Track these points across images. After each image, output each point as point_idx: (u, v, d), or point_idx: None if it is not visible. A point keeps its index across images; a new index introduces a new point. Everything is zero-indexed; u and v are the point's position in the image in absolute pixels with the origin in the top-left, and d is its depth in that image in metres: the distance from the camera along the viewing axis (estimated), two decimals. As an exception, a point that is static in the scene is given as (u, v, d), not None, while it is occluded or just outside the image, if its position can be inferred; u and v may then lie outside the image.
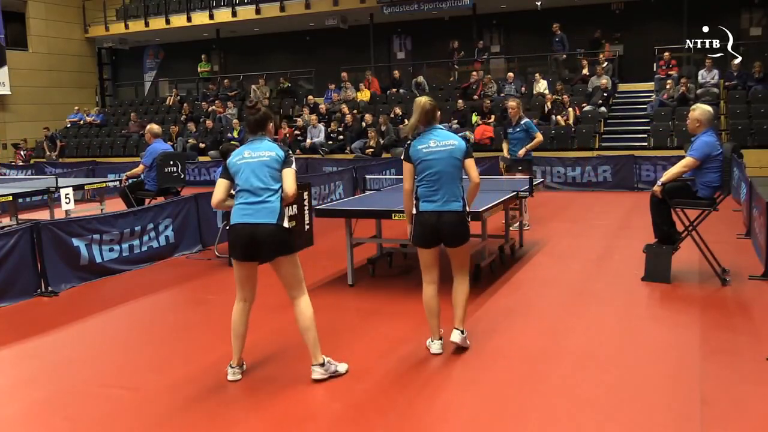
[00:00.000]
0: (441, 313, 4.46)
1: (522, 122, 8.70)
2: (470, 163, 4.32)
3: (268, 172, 3.94)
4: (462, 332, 4.45)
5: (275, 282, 4.24)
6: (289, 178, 3.95)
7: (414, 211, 4.38)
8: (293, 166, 4.01)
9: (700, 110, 5.93)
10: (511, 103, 8.92)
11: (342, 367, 4.19)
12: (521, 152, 8.59)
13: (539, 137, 8.73)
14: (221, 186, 4.10)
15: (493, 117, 15.94)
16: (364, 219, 6.27)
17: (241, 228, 3.94)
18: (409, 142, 4.41)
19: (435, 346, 4.44)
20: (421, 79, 18.67)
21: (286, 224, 3.95)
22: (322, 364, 4.08)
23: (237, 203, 4.01)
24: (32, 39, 22.54)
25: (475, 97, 17.10)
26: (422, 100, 4.37)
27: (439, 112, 4.47)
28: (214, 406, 3.84)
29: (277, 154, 3.97)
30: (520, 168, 8.71)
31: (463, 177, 4.37)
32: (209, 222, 8.42)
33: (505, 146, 8.99)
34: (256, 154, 3.97)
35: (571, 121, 15.13)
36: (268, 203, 3.91)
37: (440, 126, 4.44)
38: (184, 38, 23.33)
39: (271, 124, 4.14)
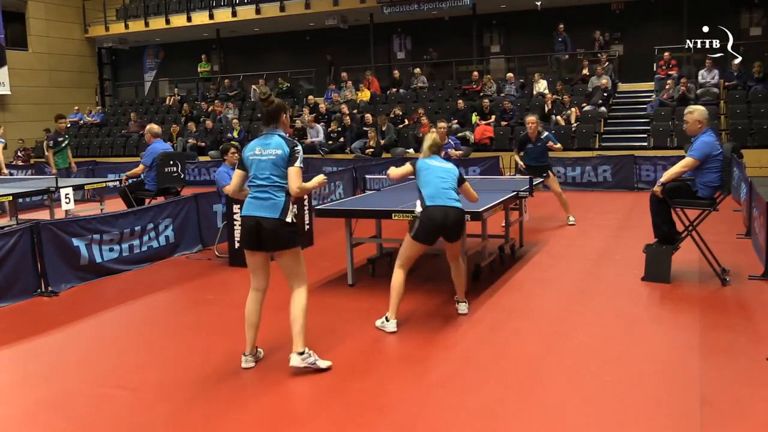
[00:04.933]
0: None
1: (542, 137, 8.96)
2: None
3: (275, 170, 4.11)
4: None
5: (277, 283, 4.24)
6: (293, 177, 4.08)
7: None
8: (298, 163, 4.10)
9: (699, 111, 5.94)
10: (530, 119, 9.08)
11: (323, 363, 4.22)
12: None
13: (560, 147, 9.20)
14: (237, 176, 4.32)
15: (493, 117, 15.94)
16: (364, 219, 6.27)
17: (248, 219, 4.15)
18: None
19: (391, 325, 4.95)
20: (418, 70, 18.77)
21: (288, 219, 4.10)
22: (302, 353, 4.17)
23: (249, 195, 4.23)
24: (32, 39, 22.54)
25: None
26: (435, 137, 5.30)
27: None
28: (213, 406, 3.84)
29: (284, 151, 4.10)
30: (545, 175, 8.92)
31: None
32: (209, 222, 8.42)
33: (518, 158, 9.21)
34: (265, 152, 4.14)
35: (572, 121, 15.14)
36: (273, 199, 4.11)
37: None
38: (184, 38, 23.34)
39: (284, 115, 4.27)
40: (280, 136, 4.18)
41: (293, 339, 4.20)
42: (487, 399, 3.84)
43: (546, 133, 9.09)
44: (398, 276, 5.01)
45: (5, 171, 11.92)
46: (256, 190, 4.14)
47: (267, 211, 4.08)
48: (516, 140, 9.22)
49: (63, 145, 11.48)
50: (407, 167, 5.23)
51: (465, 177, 5.29)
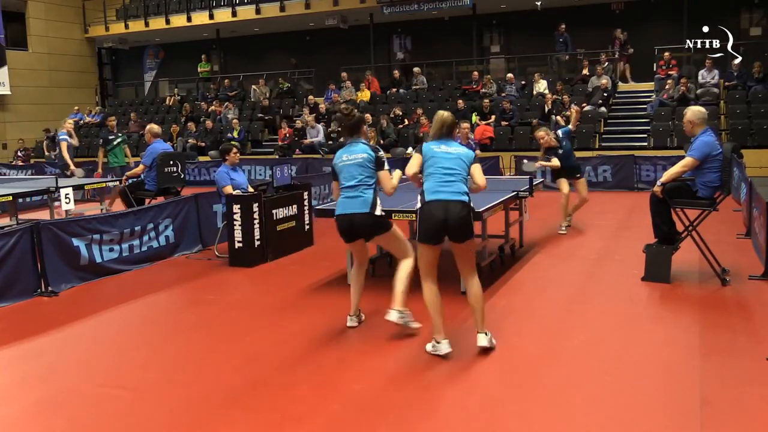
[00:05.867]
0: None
1: (560, 136, 8.70)
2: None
3: (363, 171, 4.75)
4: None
5: (277, 283, 4.23)
6: (385, 180, 4.79)
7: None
8: (386, 166, 4.81)
9: (691, 111, 5.96)
10: (540, 134, 8.84)
11: (414, 325, 4.80)
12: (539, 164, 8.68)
13: (573, 121, 9.14)
14: (334, 187, 4.94)
15: (493, 117, 15.95)
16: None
17: (342, 219, 4.77)
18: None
19: (443, 347, 4.42)
20: (417, 69, 18.79)
21: (378, 212, 4.74)
22: (401, 312, 4.64)
23: (341, 196, 4.79)
24: (32, 39, 22.54)
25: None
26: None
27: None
28: (213, 406, 3.84)
29: (369, 155, 4.77)
30: (578, 176, 8.86)
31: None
32: (209, 222, 8.42)
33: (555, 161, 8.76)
34: (352, 157, 4.77)
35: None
36: (363, 196, 4.71)
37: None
38: (184, 38, 23.34)
39: (364, 127, 5.00)
40: (363, 143, 4.84)
41: (395, 297, 4.64)
42: (487, 399, 3.84)
43: (560, 131, 8.83)
44: (427, 290, 4.45)
45: (73, 168, 11.48)
46: (347, 190, 4.74)
47: (358, 207, 4.67)
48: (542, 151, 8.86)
49: (115, 143, 11.34)
50: (415, 157, 4.59)
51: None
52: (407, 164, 4.67)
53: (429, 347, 4.46)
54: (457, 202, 4.34)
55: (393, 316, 4.63)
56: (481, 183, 4.52)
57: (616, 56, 17.32)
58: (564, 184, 8.75)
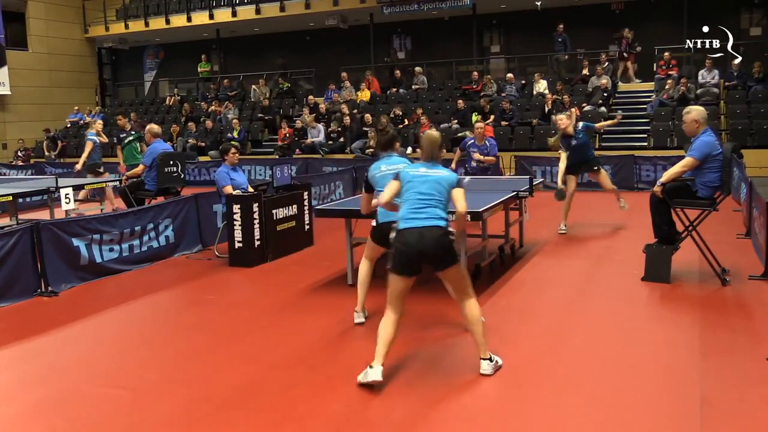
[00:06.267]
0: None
1: (579, 127, 8.52)
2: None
3: None
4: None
5: (277, 283, 4.23)
6: None
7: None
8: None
9: (696, 111, 5.95)
10: (559, 117, 8.66)
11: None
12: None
13: (604, 123, 8.83)
14: (364, 198, 5.14)
15: (492, 117, 15.94)
16: (364, 219, 6.26)
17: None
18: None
19: (374, 373, 3.99)
20: (419, 69, 18.78)
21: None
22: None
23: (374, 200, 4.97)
24: (32, 39, 22.54)
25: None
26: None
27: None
28: (213, 406, 3.84)
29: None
30: (595, 168, 8.66)
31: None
32: (209, 222, 8.42)
33: (562, 165, 8.64)
34: (391, 167, 4.94)
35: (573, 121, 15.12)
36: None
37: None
38: (184, 38, 23.33)
39: (397, 144, 5.34)
40: (397, 156, 5.22)
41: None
42: (487, 399, 3.84)
43: (582, 123, 8.69)
44: (386, 319, 4.08)
45: (79, 168, 11.45)
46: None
47: (388, 215, 4.59)
48: (557, 140, 8.57)
49: (126, 141, 11.31)
50: (392, 184, 4.32)
51: (461, 185, 4.26)
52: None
53: (360, 376, 4.03)
54: (433, 228, 4.00)
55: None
56: (461, 209, 4.14)
57: (624, 55, 17.29)
58: (572, 181, 8.64)
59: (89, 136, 11.57)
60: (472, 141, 9.24)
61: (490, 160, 9.22)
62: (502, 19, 20.10)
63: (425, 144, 4.31)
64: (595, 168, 8.73)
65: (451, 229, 4.09)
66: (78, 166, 11.63)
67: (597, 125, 8.81)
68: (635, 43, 17.16)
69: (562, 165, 8.61)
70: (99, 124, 12.42)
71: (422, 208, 4.06)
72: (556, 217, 9.22)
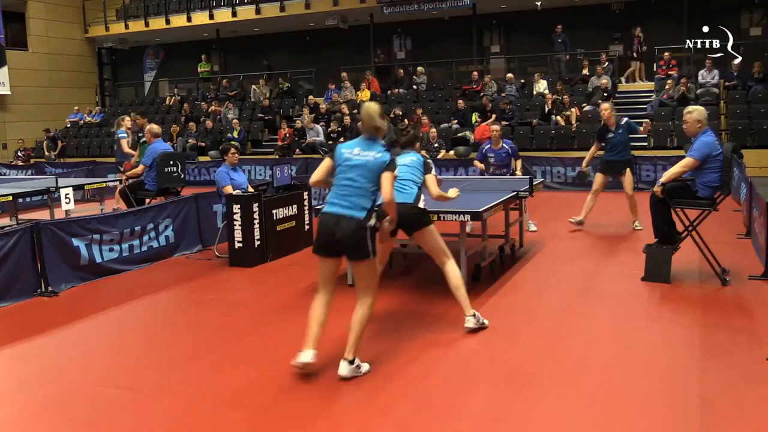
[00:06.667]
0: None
1: (622, 123, 8.40)
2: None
3: (413, 172, 5.18)
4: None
5: (277, 283, 4.22)
6: (431, 184, 5.18)
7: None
8: (432, 171, 5.27)
9: (698, 111, 5.94)
10: (604, 105, 8.51)
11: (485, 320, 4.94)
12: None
13: (645, 127, 8.49)
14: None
15: (492, 117, 15.93)
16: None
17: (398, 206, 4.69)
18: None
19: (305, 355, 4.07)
20: (421, 69, 18.77)
21: (421, 205, 5.14)
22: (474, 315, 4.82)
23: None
24: (32, 39, 22.54)
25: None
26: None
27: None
28: (213, 406, 3.84)
29: (419, 161, 5.25)
30: (624, 171, 8.52)
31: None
32: (209, 222, 8.42)
33: (591, 152, 8.56)
34: (405, 160, 5.21)
35: (573, 121, 15.13)
36: (409, 190, 5.10)
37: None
38: (184, 38, 23.32)
39: (417, 144, 5.52)
40: (415, 152, 5.37)
41: (462, 304, 4.92)
42: (487, 399, 3.84)
43: (625, 119, 8.50)
44: (317, 301, 4.16)
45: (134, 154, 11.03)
46: (399, 185, 4.94)
47: (404, 198, 4.96)
48: (594, 132, 8.31)
49: (143, 140, 11.24)
50: (325, 161, 4.34)
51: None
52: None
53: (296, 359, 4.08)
54: (350, 219, 3.99)
55: (470, 323, 4.85)
56: (386, 196, 4.08)
57: (635, 55, 17.25)
58: (599, 178, 8.63)
59: (120, 134, 11.56)
60: (489, 146, 8.76)
61: (518, 167, 8.83)
62: (502, 19, 20.10)
63: (364, 117, 4.16)
64: (624, 171, 8.56)
65: (371, 222, 4.06)
66: (129, 167, 11.41)
67: (641, 128, 8.49)
68: (643, 44, 17.17)
69: (593, 149, 8.76)
70: (128, 120, 12.35)
71: (346, 196, 4.11)
72: (556, 217, 9.25)
